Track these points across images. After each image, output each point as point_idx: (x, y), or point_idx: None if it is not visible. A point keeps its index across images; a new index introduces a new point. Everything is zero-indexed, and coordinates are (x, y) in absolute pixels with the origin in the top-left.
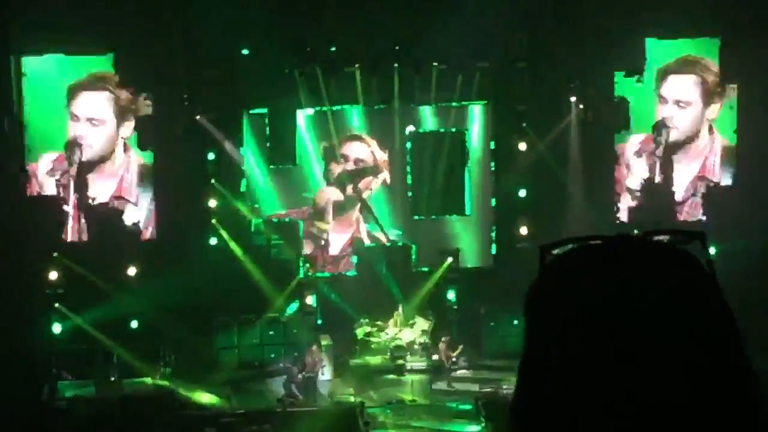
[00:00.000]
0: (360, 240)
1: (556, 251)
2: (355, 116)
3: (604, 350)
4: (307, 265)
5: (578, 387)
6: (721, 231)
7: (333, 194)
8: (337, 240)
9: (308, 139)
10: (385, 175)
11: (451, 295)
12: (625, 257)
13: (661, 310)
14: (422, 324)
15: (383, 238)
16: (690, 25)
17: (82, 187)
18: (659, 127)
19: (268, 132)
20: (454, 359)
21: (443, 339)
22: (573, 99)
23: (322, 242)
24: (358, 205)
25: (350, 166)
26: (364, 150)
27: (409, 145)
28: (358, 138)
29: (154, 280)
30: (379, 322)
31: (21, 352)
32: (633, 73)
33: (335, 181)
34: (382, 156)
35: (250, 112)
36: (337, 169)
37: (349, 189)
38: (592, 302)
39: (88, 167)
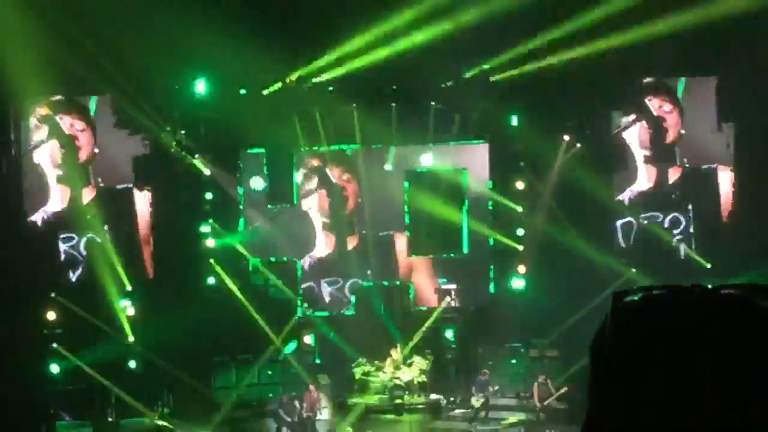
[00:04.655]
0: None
1: (627, 299)
2: (352, 156)
3: (677, 399)
4: (305, 304)
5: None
6: (720, 269)
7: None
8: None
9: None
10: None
11: (449, 334)
12: (697, 309)
13: (732, 361)
14: (421, 363)
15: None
16: (687, 65)
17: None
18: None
19: (266, 171)
20: (549, 402)
21: (539, 380)
22: (567, 138)
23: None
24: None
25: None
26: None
27: (406, 184)
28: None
29: (152, 319)
30: (377, 362)
31: (19, 392)
32: (630, 112)
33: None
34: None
35: (248, 151)
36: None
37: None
38: (665, 351)
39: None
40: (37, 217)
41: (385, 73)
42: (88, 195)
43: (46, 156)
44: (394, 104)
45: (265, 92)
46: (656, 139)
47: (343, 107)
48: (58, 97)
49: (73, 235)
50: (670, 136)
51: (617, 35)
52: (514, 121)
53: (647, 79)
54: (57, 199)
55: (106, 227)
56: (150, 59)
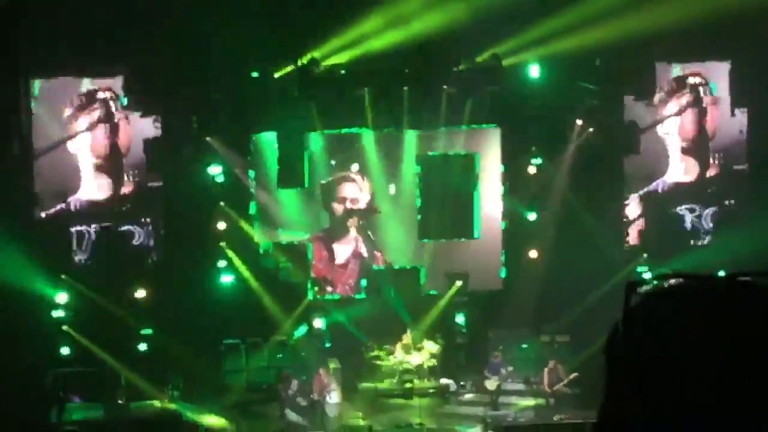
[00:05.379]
0: (366, 261)
1: (642, 289)
2: (364, 139)
3: (697, 398)
4: (316, 287)
5: None
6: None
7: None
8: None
9: (319, 162)
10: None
11: (459, 318)
12: (713, 299)
13: (750, 351)
14: (431, 347)
15: (380, 257)
16: (700, 49)
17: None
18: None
19: (277, 154)
20: (559, 387)
21: (550, 365)
22: (580, 122)
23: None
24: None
25: (348, 205)
26: (356, 190)
27: (418, 168)
28: (351, 179)
29: (162, 302)
30: (387, 346)
31: (29, 374)
32: (642, 97)
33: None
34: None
35: (259, 134)
36: (338, 209)
37: (350, 223)
38: (681, 345)
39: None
40: (72, 202)
41: (397, 56)
42: (125, 186)
43: (87, 141)
44: (405, 88)
45: (277, 75)
46: (700, 131)
47: (355, 90)
48: (116, 79)
49: (107, 223)
50: (710, 130)
51: (630, 18)
52: (527, 103)
53: (695, 68)
54: (92, 188)
55: (147, 219)
56: (162, 40)
